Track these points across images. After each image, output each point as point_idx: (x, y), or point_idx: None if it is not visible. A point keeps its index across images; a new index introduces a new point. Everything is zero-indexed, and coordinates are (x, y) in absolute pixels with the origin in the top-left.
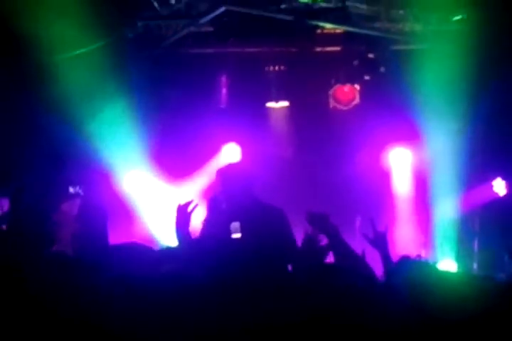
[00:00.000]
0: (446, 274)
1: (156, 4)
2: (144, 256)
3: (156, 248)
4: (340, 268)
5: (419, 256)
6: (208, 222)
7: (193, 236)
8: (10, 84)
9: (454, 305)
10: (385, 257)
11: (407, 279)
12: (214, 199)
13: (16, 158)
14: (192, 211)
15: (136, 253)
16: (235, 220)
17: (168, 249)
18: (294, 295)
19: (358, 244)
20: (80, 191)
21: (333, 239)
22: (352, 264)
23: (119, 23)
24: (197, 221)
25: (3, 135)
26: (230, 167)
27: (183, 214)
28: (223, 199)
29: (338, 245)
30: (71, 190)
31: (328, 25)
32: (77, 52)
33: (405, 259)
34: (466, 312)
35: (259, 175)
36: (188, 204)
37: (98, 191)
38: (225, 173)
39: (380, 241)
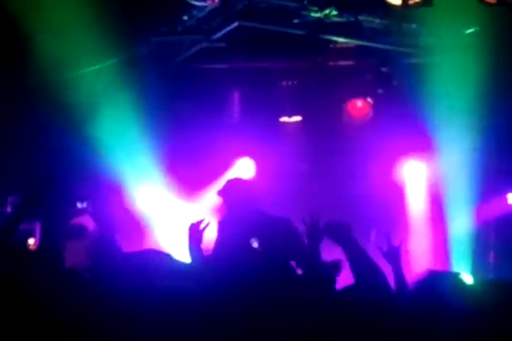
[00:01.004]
0: (470, 286)
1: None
2: (160, 267)
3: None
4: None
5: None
6: (219, 244)
7: (205, 254)
8: (22, 100)
9: (485, 312)
10: (397, 271)
11: (439, 291)
12: (223, 222)
13: (23, 171)
14: (204, 229)
15: (152, 263)
16: (246, 237)
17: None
18: (311, 310)
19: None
20: (88, 207)
21: (353, 251)
22: (372, 277)
23: (133, 40)
24: (209, 239)
25: (11, 148)
26: (229, 185)
27: (196, 232)
28: (231, 219)
29: (359, 257)
30: (79, 205)
31: (341, 40)
32: (92, 68)
33: (433, 272)
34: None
35: (273, 189)
36: (200, 222)
37: (107, 207)
38: (226, 193)
39: (394, 256)
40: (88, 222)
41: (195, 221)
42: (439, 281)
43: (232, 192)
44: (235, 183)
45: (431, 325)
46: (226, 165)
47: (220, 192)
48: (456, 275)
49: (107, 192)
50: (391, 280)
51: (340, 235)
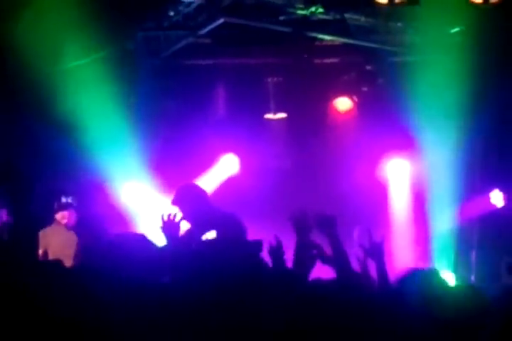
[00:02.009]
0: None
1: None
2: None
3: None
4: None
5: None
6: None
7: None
8: (8, 94)
9: (459, 310)
10: (381, 267)
11: (419, 288)
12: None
13: (8, 166)
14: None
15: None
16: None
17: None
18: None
19: (355, 255)
20: (73, 201)
21: (335, 243)
22: (347, 270)
23: (118, 35)
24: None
25: None
26: (179, 193)
27: (171, 221)
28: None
29: (338, 250)
30: (63, 199)
31: (327, 37)
32: (77, 63)
33: (415, 270)
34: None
35: (257, 185)
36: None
37: (93, 202)
38: (178, 201)
39: (377, 252)
40: (72, 216)
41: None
42: (420, 279)
43: (183, 199)
44: (183, 190)
45: (410, 321)
46: (211, 162)
47: (173, 202)
48: (436, 273)
49: (91, 188)
50: (374, 277)
51: (325, 228)
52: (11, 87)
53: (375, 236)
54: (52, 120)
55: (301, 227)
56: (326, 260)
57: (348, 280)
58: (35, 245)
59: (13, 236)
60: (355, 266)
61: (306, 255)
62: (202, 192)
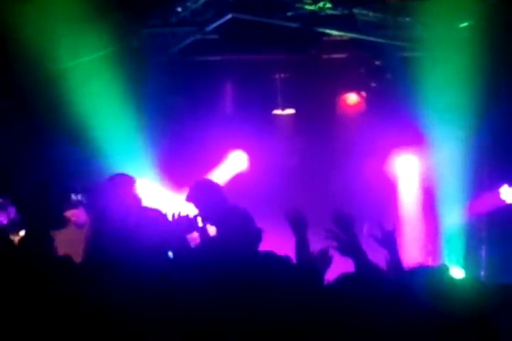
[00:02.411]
0: (457, 280)
1: None
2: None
3: None
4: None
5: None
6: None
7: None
8: (14, 93)
9: (466, 307)
10: (394, 256)
11: (425, 285)
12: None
13: (18, 164)
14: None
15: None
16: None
17: None
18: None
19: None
20: (83, 199)
21: (353, 241)
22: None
23: (124, 32)
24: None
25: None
26: (193, 190)
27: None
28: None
29: (355, 248)
30: (73, 197)
31: (335, 33)
32: (83, 60)
33: (421, 267)
34: (477, 312)
35: (265, 181)
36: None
37: (101, 199)
38: (193, 198)
39: (389, 240)
40: (81, 214)
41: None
42: (428, 276)
43: (198, 195)
44: (198, 186)
45: (418, 317)
46: (219, 158)
47: (188, 198)
48: (445, 269)
49: (100, 185)
50: (385, 266)
51: (344, 224)
52: (17, 86)
53: (386, 225)
54: (59, 118)
55: (298, 225)
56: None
57: (368, 276)
58: (50, 243)
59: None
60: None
61: (307, 251)
62: (218, 187)
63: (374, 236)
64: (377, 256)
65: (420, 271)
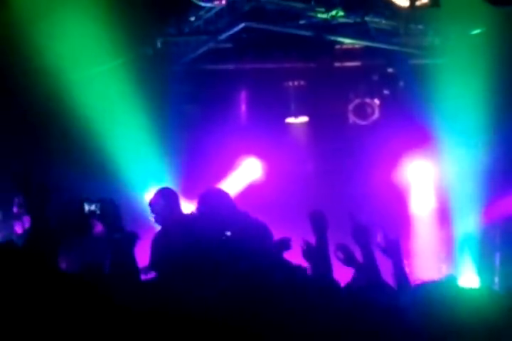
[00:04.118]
0: (466, 291)
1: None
2: None
3: None
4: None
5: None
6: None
7: None
8: (30, 101)
9: (475, 321)
10: (398, 266)
11: (426, 302)
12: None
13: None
14: None
15: None
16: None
17: None
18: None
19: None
20: (96, 209)
21: (368, 254)
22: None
23: (139, 41)
24: None
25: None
26: (202, 199)
27: None
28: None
29: (371, 261)
30: (86, 207)
31: (347, 41)
32: (98, 69)
33: (422, 285)
34: (488, 326)
35: (278, 188)
36: None
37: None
38: (202, 207)
39: (393, 249)
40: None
41: None
42: (427, 292)
43: (207, 204)
44: (207, 195)
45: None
46: (233, 166)
47: (198, 207)
48: (452, 281)
49: (114, 194)
50: (390, 277)
51: (362, 239)
52: (32, 94)
53: (390, 233)
54: (75, 127)
55: (320, 226)
56: (351, 263)
57: (377, 288)
58: (55, 254)
59: (30, 244)
60: None
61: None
62: (226, 196)
63: (378, 245)
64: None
65: (423, 287)
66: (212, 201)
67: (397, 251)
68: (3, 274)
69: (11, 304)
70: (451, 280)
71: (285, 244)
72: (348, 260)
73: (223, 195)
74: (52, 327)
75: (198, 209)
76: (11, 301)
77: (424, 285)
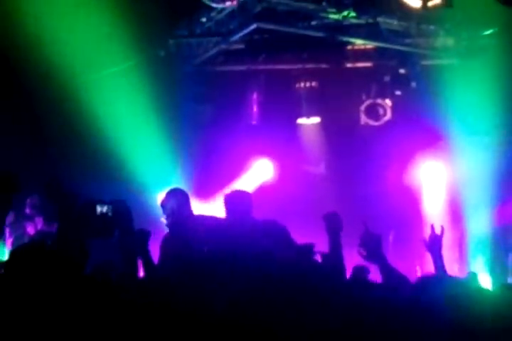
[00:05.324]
0: (486, 290)
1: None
2: None
3: None
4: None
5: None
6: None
7: None
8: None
9: (491, 317)
10: (438, 261)
11: (451, 296)
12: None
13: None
14: None
15: None
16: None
17: None
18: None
19: (390, 259)
20: (108, 211)
21: (384, 266)
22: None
23: (151, 42)
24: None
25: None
26: (228, 199)
27: None
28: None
29: (386, 272)
30: (98, 209)
31: (359, 41)
32: (110, 71)
33: (449, 278)
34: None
35: (290, 189)
36: None
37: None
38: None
39: (436, 245)
40: None
41: None
42: (454, 287)
43: (230, 205)
44: (231, 197)
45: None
46: (245, 166)
47: (226, 210)
48: (473, 278)
49: (127, 196)
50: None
51: (371, 247)
52: (45, 97)
53: (436, 229)
54: (88, 128)
55: (334, 228)
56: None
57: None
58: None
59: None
60: None
61: (339, 253)
62: (252, 200)
63: (423, 241)
64: (405, 265)
65: (447, 281)
66: (243, 206)
67: (439, 247)
68: (37, 273)
69: (38, 303)
70: (473, 277)
71: (309, 250)
72: (371, 255)
73: (251, 198)
74: (75, 326)
75: (229, 214)
76: (40, 300)
77: (449, 281)
